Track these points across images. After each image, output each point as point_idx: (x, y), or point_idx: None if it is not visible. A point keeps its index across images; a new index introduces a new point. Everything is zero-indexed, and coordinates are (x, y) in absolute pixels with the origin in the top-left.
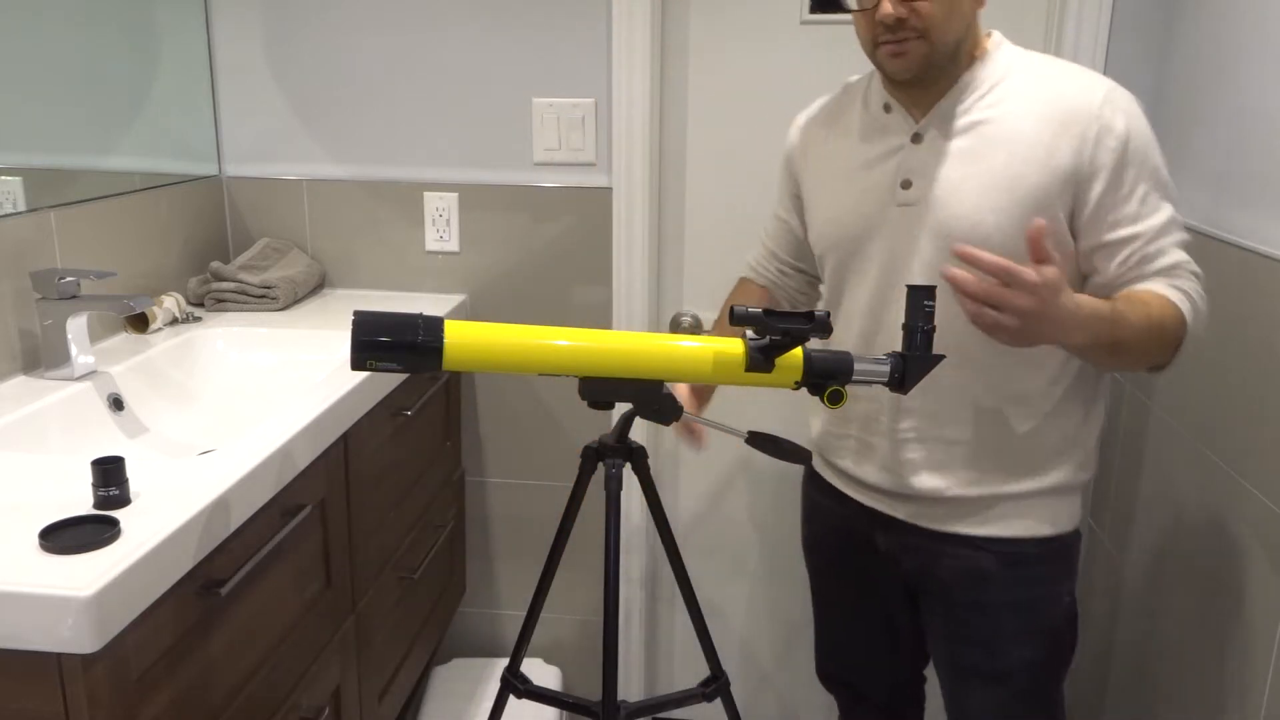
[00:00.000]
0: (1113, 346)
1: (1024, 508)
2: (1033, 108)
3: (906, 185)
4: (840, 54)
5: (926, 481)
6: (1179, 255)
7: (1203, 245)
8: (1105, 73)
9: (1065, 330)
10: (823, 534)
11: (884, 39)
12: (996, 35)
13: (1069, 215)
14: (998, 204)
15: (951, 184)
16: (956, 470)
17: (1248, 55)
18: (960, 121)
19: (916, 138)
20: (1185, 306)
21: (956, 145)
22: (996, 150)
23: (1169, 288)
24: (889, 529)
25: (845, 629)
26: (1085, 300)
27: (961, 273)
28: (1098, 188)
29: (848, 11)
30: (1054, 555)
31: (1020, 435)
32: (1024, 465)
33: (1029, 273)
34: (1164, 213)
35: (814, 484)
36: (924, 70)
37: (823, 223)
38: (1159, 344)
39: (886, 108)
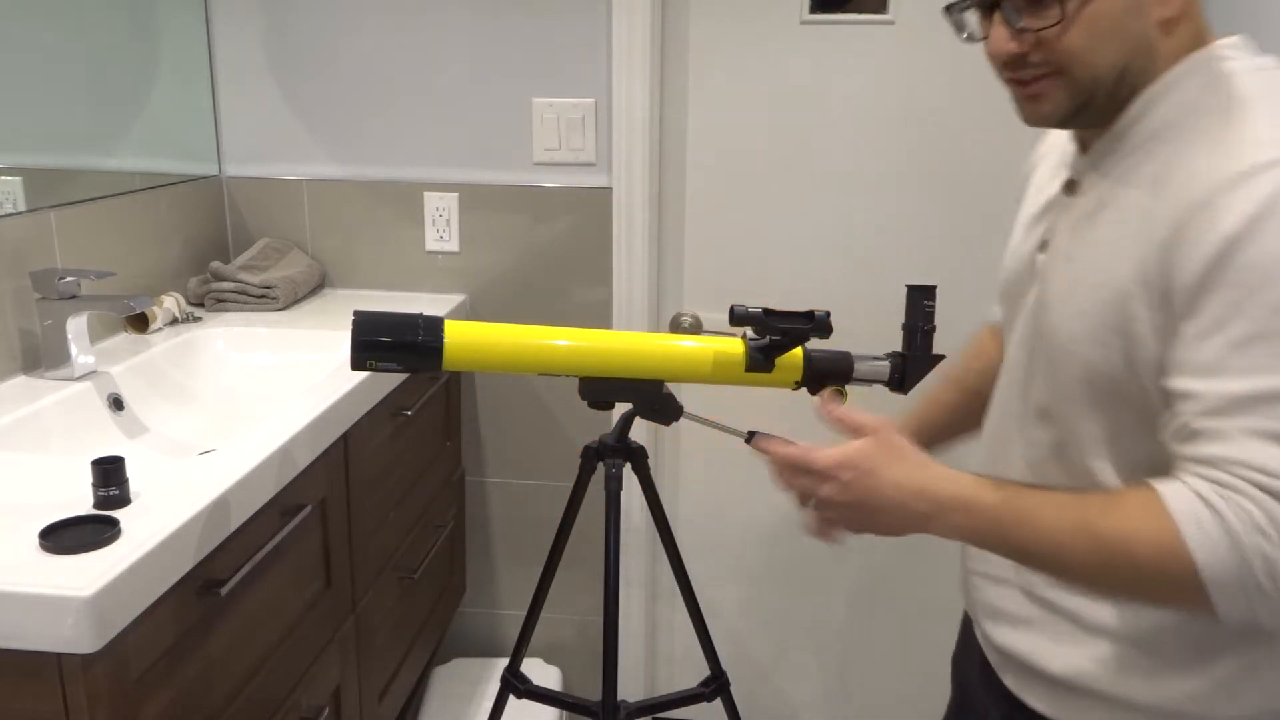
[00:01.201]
0: (1015, 554)
1: None
2: (1162, 171)
3: (1043, 247)
4: (841, 54)
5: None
6: (1252, 451)
7: None
8: None
9: (901, 520)
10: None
11: (1007, 77)
12: (1209, 52)
13: (1160, 338)
14: (1082, 306)
15: (1066, 261)
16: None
17: None
18: (1109, 174)
19: (1070, 187)
20: (1197, 529)
21: (1093, 206)
22: (1112, 227)
23: (1185, 491)
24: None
25: None
26: (948, 480)
27: (774, 448)
28: (1173, 309)
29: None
30: None
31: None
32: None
33: (814, 456)
34: (1263, 380)
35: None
36: (1073, 115)
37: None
38: (1116, 575)
39: (1085, 143)
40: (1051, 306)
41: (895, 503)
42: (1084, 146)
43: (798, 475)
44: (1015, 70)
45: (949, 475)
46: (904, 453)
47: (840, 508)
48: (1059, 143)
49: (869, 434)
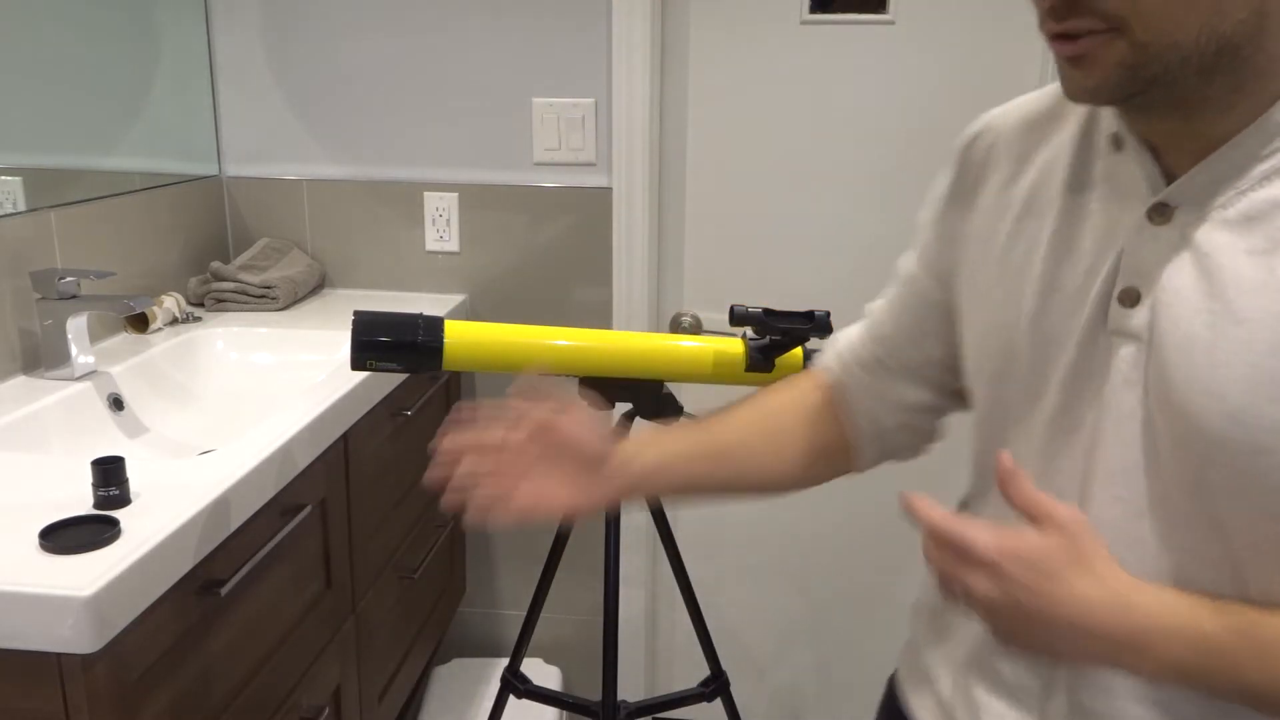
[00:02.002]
0: (1248, 699)
1: None
2: None
3: (1130, 300)
4: (841, 54)
5: None
6: None
7: None
8: None
9: (1082, 645)
10: None
11: (1051, 31)
12: None
13: None
14: (1262, 378)
15: (1212, 322)
16: None
17: None
18: (1253, 200)
19: (1161, 212)
20: None
21: (1236, 248)
22: None
23: None
24: None
25: None
26: (1160, 602)
27: (925, 512)
28: None
29: None
30: None
31: None
32: None
33: (980, 541)
34: None
35: None
36: (1132, 91)
37: (981, 327)
38: None
39: (1116, 141)
40: (1208, 388)
41: (1080, 623)
42: (1179, 156)
43: (949, 553)
44: (1062, 20)
45: (1157, 594)
46: (1098, 560)
47: (998, 611)
48: (1004, 151)
49: (1057, 526)
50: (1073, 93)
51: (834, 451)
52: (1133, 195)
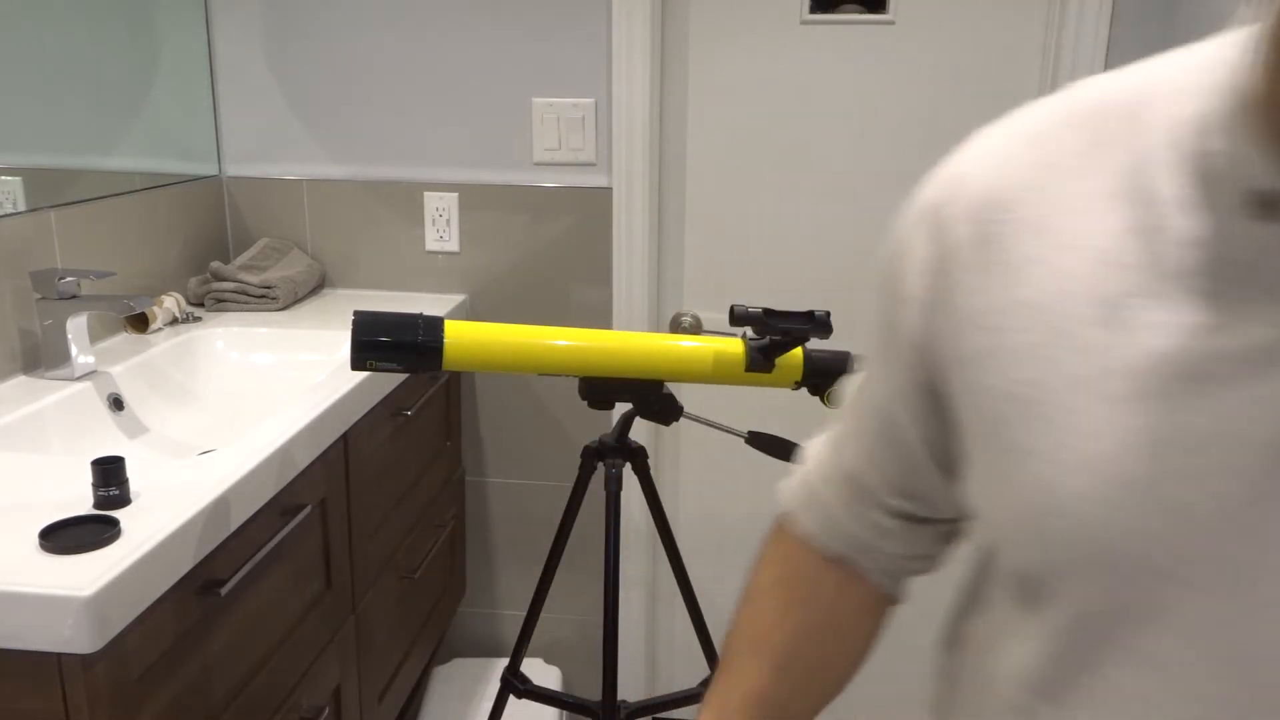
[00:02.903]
0: None
1: None
2: None
3: None
4: (841, 54)
5: None
6: None
7: None
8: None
9: None
10: None
11: None
12: None
13: None
14: None
15: None
16: None
17: None
18: None
19: None
20: None
21: None
22: None
23: None
24: None
25: None
26: None
27: None
28: None
29: None
30: None
31: None
32: None
33: None
34: None
35: None
36: None
37: (1043, 503)
38: None
39: (1271, 204)
40: None
41: None
42: None
43: None
44: None
45: None
46: None
47: None
48: (1016, 207)
49: None
50: None
51: (875, 618)
52: None
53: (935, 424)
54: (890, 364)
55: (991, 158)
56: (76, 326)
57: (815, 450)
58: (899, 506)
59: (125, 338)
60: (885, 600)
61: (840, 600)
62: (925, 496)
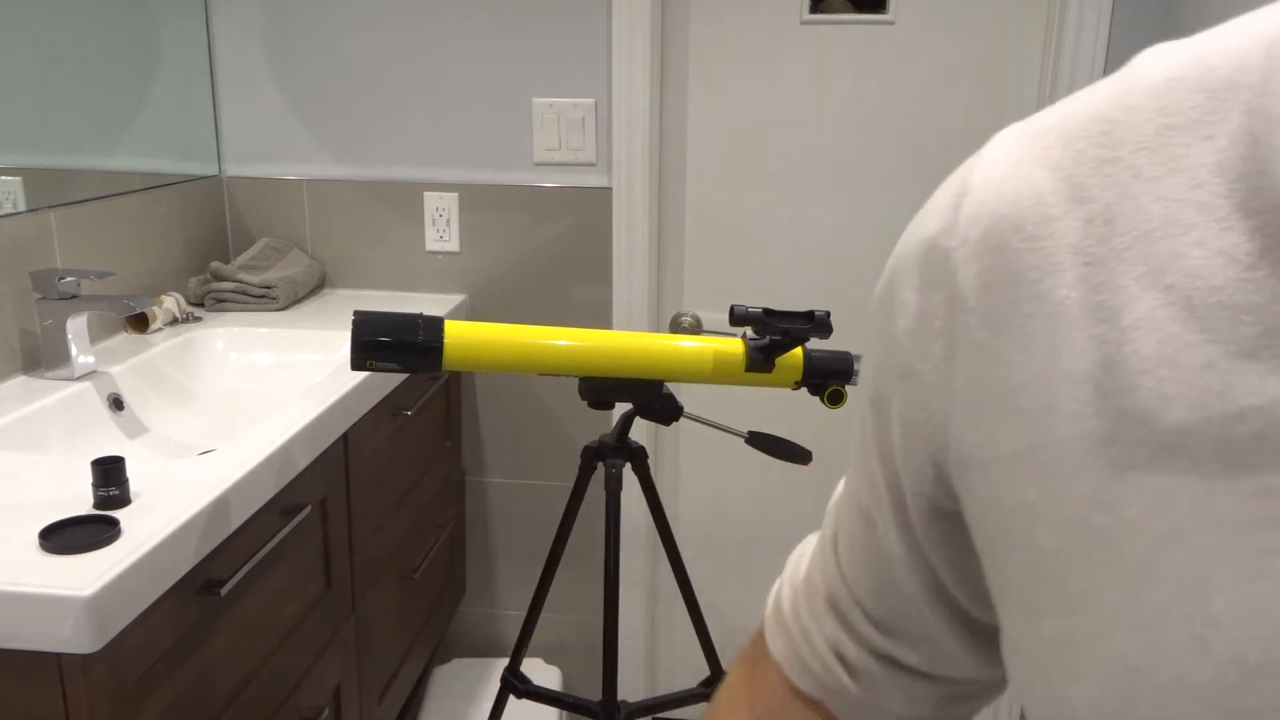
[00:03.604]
0: None
1: None
2: None
3: None
4: (841, 54)
5: None
6: None
7: None
8: (1105, 73)
9: None
10: None
11: None
12: None
13: None
14: None
15: None
16: None
17: None
18: None
19: None
20: None
21: None
22: None
23: None
24: None
25: None
26: None
27: None
28: None
29: None
30: None
31: None
32: None
33: None
34: None
35: None
36: None
37: (1123, 688)
38: None
39: None
40: None
41: None
42: None
43: None
44: None
45: None
46: None
47: None
48: (1044, 265)
49: None
50: None
51: None
52: None
53: (943, 552)
54: (886, 457)
55: (978, 212)
56: (76, 326)
57: (800, 552)
58: (884, 648)
59: (125, 338)
60: None
61: None
62: (921, 642)
